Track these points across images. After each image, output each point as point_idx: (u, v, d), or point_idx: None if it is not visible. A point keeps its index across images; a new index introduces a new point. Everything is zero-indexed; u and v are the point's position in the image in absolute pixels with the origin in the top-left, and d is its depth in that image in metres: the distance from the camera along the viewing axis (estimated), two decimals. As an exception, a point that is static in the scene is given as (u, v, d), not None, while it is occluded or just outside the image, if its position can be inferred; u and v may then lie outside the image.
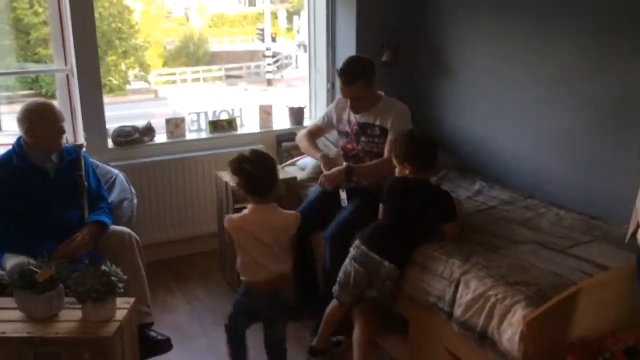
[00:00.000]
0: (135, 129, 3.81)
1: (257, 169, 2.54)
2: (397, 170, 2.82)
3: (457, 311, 2.43)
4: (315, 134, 3.48)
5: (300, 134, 3.53)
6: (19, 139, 2.91)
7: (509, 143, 3.61)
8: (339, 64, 4.09)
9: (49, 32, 5.34)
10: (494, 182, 3.57)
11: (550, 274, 2.42)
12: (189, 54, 17.07)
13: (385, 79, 3.56)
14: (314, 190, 3.39)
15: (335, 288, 2.81)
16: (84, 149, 3.03)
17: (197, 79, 15.81)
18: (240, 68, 16.61)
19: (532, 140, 3.46)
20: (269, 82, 15.49)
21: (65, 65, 3.63)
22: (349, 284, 2.73)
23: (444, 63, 4.02)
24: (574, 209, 3.09)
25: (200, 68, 16.24)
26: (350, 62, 3.16)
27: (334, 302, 2.85)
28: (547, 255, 2.60)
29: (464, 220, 2.94)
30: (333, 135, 3.63)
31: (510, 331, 2.20)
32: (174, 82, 15.41)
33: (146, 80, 13.91)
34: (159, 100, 13.35)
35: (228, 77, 16.35)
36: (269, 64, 15.74)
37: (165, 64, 16.23)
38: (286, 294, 2.62)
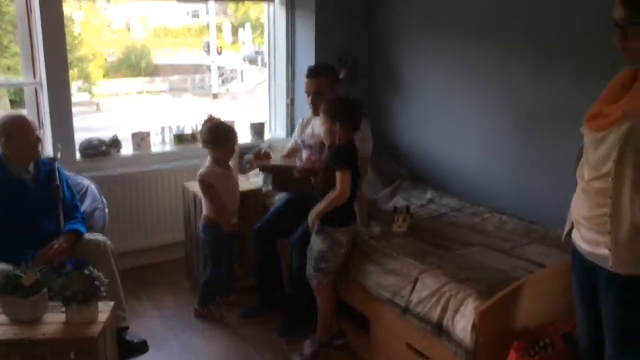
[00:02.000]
0: (102, 142, 3.95)
1: None
2: (325, 130, 2.98)
3: (416, 306, 2.70)
4: (290, 155, 3.72)
5: (279, 157, 3.73)
6: None
7: (457, 155, 3.95)
8: (299, 79, 4.39)
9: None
10: (443, 191, 3.90)
11: (497, 271, 2.73)
12: (131, 66, 16.90)
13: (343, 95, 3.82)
14: (278, 199, 3.64)
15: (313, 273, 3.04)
16: (57, 162, 3.17)
17: (142, 92, 15.71)
18: (186, 81, 16.63)
19: (477, 153, 3.80)
20: (215, 96, 15.56)
21: (35, 78, 3.75)
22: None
23: (398, 79, 4.34)
24: (515, 214, 3.44)
25: (144, 80, 16.13)
26: (318, 63, 3.61)
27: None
28: (493, 255, 2.93)
29: (418, 226, 3.26)
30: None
31: (463, 322, 2.48)
32: (117, 94, 15.26)
33: (90, 92, 13.76)
34: (102, 113, 13.22)
35: (173, 90, 16.31)
36: (214, 78, 15.81)
37: (106, 76, 16.05)
38: None
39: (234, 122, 4.32)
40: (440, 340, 2.59)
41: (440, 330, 2.59)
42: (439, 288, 2.64)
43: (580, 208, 2.10)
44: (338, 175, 2.87)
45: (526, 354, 2.33)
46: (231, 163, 3.53)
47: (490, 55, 3.63)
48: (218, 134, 3.38)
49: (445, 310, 2.58)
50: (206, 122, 3.49)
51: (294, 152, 3.75)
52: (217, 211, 3.39)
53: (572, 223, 2.23)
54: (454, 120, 3.94)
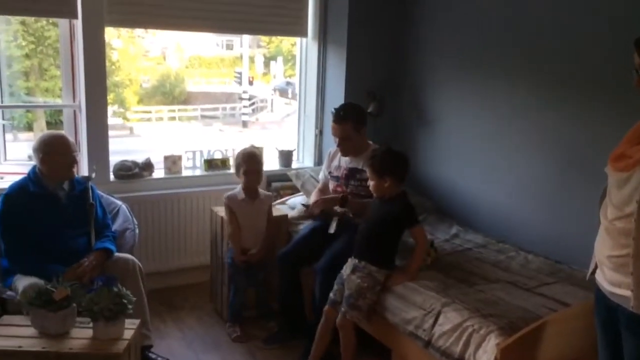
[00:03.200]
0: (135, 164, 4.05)
1: None
2: (373, 184, 3.05)
3: (438, 340, 2.70)
4: (323, 191, 3.77)
5: (313, 193, 3.83)
6: (34, 168, 3.14)
7: (483, 190, 3.96)
8: (328, 110, 4.46)
9: (30, 65, 5.55)
10: (468, 226, 3.90)
11: (519, 308, 2.72)
12: (165, 93, 17.30)
13: (370, 128, 3.88)
14: (304, 227, 3.68)
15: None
16: (91, 181, 3.26)
17: (173, 118, 16.02)
18: (217, 109, 16.93)
19: (504, 189, 3.80)
20: (244, 124, 15.79)
21: (74, 101, 3.88)
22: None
23: (425, 113, 4.39)
24: (541, 253, 3.43)
25: (176, 107, 16.47)
26: (345, 105, 3.60)
27: (322, 321, 3.10)
28: (516, 292, 2.91)
29: (442, 260, 3.27)
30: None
31: (485, 358, 2.46)
32: (149, 119, 15.59)
33: (124, 117, 14.09)
34: (134, 137, 13.51)
35: (203, 117, 16.61)
36: (244, 107, 16.07)
37: (140, 102, 16.44)
38: None
39: (262, 148, 4.40)
40: (461, 375, 2.57)
41: (461, 364, 2.58)
42: (461, 322, 2.64)
43: (602, 248, 2.10)
44: (417, 231, 3.01)
45: (547, 393, 2.31)
46: (261, 192, 3.60)
47: (518, 93, 3.66)
48: (241, 156, 3.57)
49: (467, 344, 2.57)
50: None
51: (326, 188, 3.78)
52: (229, 236, 3.52)
53: (596, 263, 2.22)
54: (481, 156, 3.96)
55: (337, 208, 3.36)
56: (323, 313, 3.10)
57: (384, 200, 3.04)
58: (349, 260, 3.08)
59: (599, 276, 2.17)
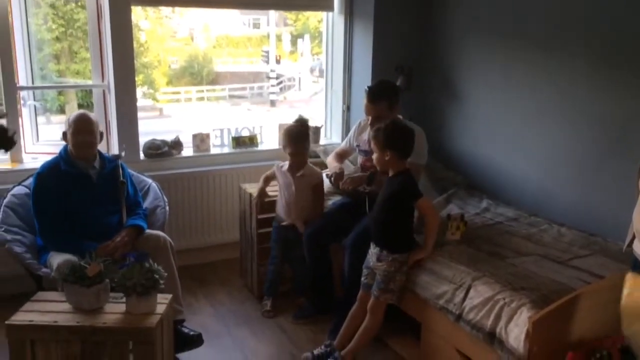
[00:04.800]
0: (164, 142, 4.09)
1: None
2: (375, 157, 3.00)
3: (468, 313, 2.68)
4: (342, 155, 3.80)
5: (330, 155, 3.85)
6: (65, 147, 3.19)
7: (515, 163, 3.89)
8: (356, 86, 4.42)
9: (61, 48, 5.60)
10: (499, 200, 3.85)
11: (552, 281, 2.68)
12: (193, 74, 17.40)
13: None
14: (332, 203, 3.67)
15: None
16: (121, 159, 3.30)
17: (202, 98, 16.12)
18: (244, 89, 16.97)
19: (537, 161, 3.74)
20: (272, 103, 15.80)
21: (103, 81, 3.92)
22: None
23: (453, 87, 4.32)
24: (574, 226, 3.37)
25: (204, 87, 16.55)
26: (379, 83, 3.49)
27: (355, 305, 3.10)
28: (549, 265, 2.87)
29: (473, 234, 3.23)
30: (352, 156, 3.93)
31: (516, 331, 2.44)
32: (178, 100, 15.72)
33: (154, 98, 14.22)
34: (164, 117, 13.64)
35: (232, 97, 16.67)
36: (272, 85, 16.06)
37: (169, 83, 16.56)
38: None
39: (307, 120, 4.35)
40: (492, 348, 2.55)
41: (492, 338, 2.56)
42: (492, 295, 2.61)
43: None
44: (421, 204, 2.93)
45: (581, 365, 2.28)
46: (307, 168, 3.62)
47: (550, 65, 3.57)
48: (287, 133, 3.59)
49: (498, 318, 2.55)
50: (291, 123, 3.69)
51: (345, 154, 3.79)
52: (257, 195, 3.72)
53: (634, 234, 2.18)
54: (513, 129, 3.89)
55: (364, 187, 3.34)
56: (357, 298, 3.09)
57: (389, 179, 2.99)
58: (371, 245, 3.05)
59: (637, 247, 2.13)
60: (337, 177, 3.49)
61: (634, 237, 2.21)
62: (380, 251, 2.98)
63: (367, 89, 3.42)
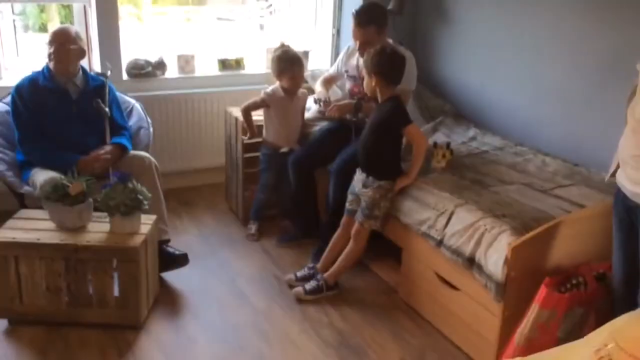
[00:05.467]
0: (148, 62, 3.99)
1: None
2: (365, 82, 2.99)
3: (449, 239, 2.71)
4: (329, 81, 3.74)
5: (318, 81, 3.79)
6: (46, 64, 3.11)
7: (504, 93, 3.85)
8: (346, 8, 4.29)
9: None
10: (487, 129, 3.84)
11: (533, 209, 2.70)
12: (180, -7, 16.84)
13: (389, 26, 3.73)
14: (318, 129, 3.64)
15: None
16: (108, 78, 3.22)
17: (189, 19, 15.68)
18: (232, 10, 16.50)
19: (526, 91, 3.69)
20: (261, 27, 15.42)
21: (83, -5, 3.77)
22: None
23: (446, 12, 4.21)
24: (559, 156, 3.38)
25: (191, 8, 16.08)
26: (367, 7, 3.40)
27: (339, 230, 3.14)
28: (531, 194, 2.89)
29: (458, 162, 3.24)
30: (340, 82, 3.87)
31: (495, 256, 2.48)
32: (164, 19, 15.25)
33: (139, 18, 13.80)
34: (149, 37, 13.26)
35: (220, 19, 16.24)
36: (261, 9, 15.63)
37: (154, 3, 16.06)
38: None
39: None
40: (471, 273, 2.61)
41: (472, 263, 2.60)
42: (474, 222, 2.64)
43: (627, 146, 2.07)
44: (409, 130, 2.90)
45: (556, 290, 2.33)
46: (300, 92, 3.58)
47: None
48: (284, 60, 3.47)
49: (478, 243, 2.58)
50: (275, 49, 3.56)
51: (333, 79, 3.75)
52: (245, 120, 3.60)
53: (618, 164, 2.20)
54: (502, 58, 3.83)
55: (351, 115, 3.31)
56: (341, 223, 3.12)
57: (378, 105, 2.97)
58: (357, 172, 3.06)
59: (620, 176, 2.16)
60: (326, 103, 3.46)
61: (617, 167, 2.22)
62: (367, 177, 2.99)
63: (355, 13, 3.32)
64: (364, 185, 3.00)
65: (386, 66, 2.88)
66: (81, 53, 3.14)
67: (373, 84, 2.91)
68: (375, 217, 3.00)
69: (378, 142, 2.97)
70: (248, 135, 3.62)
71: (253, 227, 3.66)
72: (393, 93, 2.93)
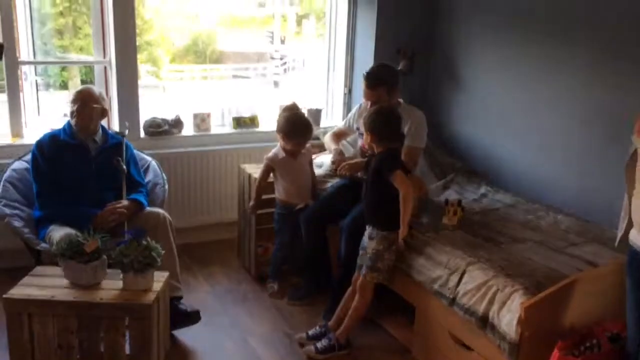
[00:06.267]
0: (165, 121, 4.09)
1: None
2: (364, 138, 3.10)
3: (462, 297, 2.70)
4: (339, 135, 3.82)
5: (327, 135, 3.86)
6: (68, 121, 3.22)
7: (514, 151, 3.90)
8: (358, 68, 4.40)
9: (64, 23, 5.58)
10: (498, 187, 3.86)
11: (547, 268, 2.70)
12: (197, 52, 17.26)
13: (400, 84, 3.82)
14: (331, 185, 3.68)
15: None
16: (125, 137, 3.30)
17: (205, 77, 16.02)
18: (248, 69, 16.87)
19: (535, 150, 3.74)
20: (276, 84, 15.71)
21: (104, 57, 3.91)
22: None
23: (456, 72, 4.31)
24: (571, 213, 3.39)
25: (208, 66, 16.44)
26: (377, 68, 3.48)
27: (350, 289, 3.13)
28: (544, 252, 2.89)
29: (470, 220, 3.25)
30: (352, 138, 3.94)
31: (509, 316, 2.46)
32: (181, 79, 15.62)
33: (157, 76, 14.14)
34: (166, 95, 13.57)
35: (235, 76, 16.57)
36: (276, 66, 15.95)
37: (172, 61, 16.45)
38: None
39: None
40: (485, 332, 2.58)
41: (485, 322, 2.58)
42: (486, 281, 2.63)
43: None
44: (394, 178, 2.89)
45: (569, 354, 2.30)
46: (304, 150, 3.61)
47: (554, 52, 3.56)
48: (294, 127, 3.49)
49: (491, 303, 2.57)
50: (286, 108, 3.61)
51: (343, 134, 3.81)
52: (255, 194, 3.62)
53: (625, 228, 2.22)
54: (513, 116, 3.89)
55: (362, 174, 3.33)
56: (352, 280, 3.12)
57: (375, 156, 3.03)
58: (367, 227, 3.08)
59: (635, 237, 2.15)
60: (339, 161, 3.51)
61: (627, 230, 2.22)
62: (372, 229, 3.02)
63: (365, 75, 3.40)
64: (369, 237, 3.02)
65: (380, 125, 2.95)
66: (103, 112, 3.24)
67: (369, 140, 2.99)
68: (378, 270, 2.99)
69: (373, 192, 3.01)
70: (251, 203, 3.65)
71: (275, 286, 3.65)
72: (387, 148, 2.98)
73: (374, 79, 3.35)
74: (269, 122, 4.53)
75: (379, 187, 2.97)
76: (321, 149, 4.25)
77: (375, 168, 2.96)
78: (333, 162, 3.62)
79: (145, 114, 4.09)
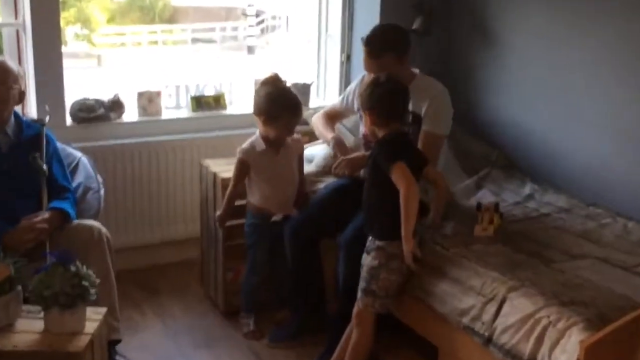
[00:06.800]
0: (99, 102, 4.07)
1: None
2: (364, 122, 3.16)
3: (501, 335, 2.70)
4: (332, 117, 3.81)
5: (316, 116, 3.86)
6: None
7: (567, 137, 3.90)
8: (359, 29, 4.38)
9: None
10: (547, 184, 3.87)
11: (613, 294, 2.70)
12: (144, 9, 17.22)
13: (414, 51, 3.75)
14: (325, 186, 3.68)
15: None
16: (46, 126, 3.28)
17: (154, 42, 16.00)
18: (213, 29, 16.84)
19: (597, 135, 3.74)
20: (250, 50, 15.69)
21: (16, 18, 3.89)
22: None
23: (488, 32, 4.31)
24: (645, 220, 3.40)
25: (158, 27, 16.41)
26: (380, 31, 3.47)
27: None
28: (610, 272, 2.90)
29: (510, 230, 3.25)
30: (351, 121, 3.94)
31: (563, 358, 2.47)
32: (123, 44, 15.59)
33: (90, 41, 14.13)
34: (103, 67, 13.56)
35: (195, 40, 16.55)
36: (250, 26, 15.93)
37: (111, 21, 16.42)
38: None
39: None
40: (532, 381, 2.59)
41: (532, 367, 2.59)
42: (533, 312, 2.64)
43: None
44: (394, 173, 2.88)
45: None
46: (289, 139, 3.61)
47: (620, 12, 3.57)
48: (279, 105, 3.46)
49: (540, 341, 2.58)
50: (266, 82, 3.58)
51: (338, 115, 3.83)
52: (227, 196, 3.58)
53: None
54: (566, 88, 3.90)
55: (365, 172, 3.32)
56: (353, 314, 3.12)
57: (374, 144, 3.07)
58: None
59: None
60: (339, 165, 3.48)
61: None
62: (371, 238, 3.04)
63: (365, 40, 3.40)
64: (366, 250, 3.04)
65: (381, 99, 2.97)
66: (20, 96, 3.22)
67: (369, 122, 3.01)
68: (373, 294, 3.01)
69: (371, 191, 3.04)
70: (219, 213, 3.64)
71: (250, 322, 3.65)
72: (393, 131, 3.00)
73: (377, 45, 3.35)
74: (241, 103, 4.53)
75: (378, 185, 2.99)
76: (311, 137, 4.24)
77: (372, 162, 2.98)
78: (334, 157, 3.60)
79: (73, 93, 4.06)
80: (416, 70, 3.52)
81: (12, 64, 3.26)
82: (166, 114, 4.32)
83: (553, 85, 3.97)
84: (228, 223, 3.70)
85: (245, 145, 3.56)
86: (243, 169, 3.54)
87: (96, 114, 4.04)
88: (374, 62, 3.36)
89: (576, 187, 3.82)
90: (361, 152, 3.49)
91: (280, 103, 3.47)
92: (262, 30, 16.59)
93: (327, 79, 4.74)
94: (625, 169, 3.63)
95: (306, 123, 4.17)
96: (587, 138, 3.81)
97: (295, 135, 3.65)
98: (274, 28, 16.88)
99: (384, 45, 3.35)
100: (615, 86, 3.64)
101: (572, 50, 3.84)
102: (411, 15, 4.26)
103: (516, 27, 4.16)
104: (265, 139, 3.53)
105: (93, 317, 2.76)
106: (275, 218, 3.54)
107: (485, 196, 3.69)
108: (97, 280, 2.74)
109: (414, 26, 4.20)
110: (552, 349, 2.52)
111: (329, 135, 3.69)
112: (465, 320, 2.86)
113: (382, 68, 3.31)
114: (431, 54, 4.31)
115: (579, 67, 3.82)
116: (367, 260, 3.03)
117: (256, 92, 3.62)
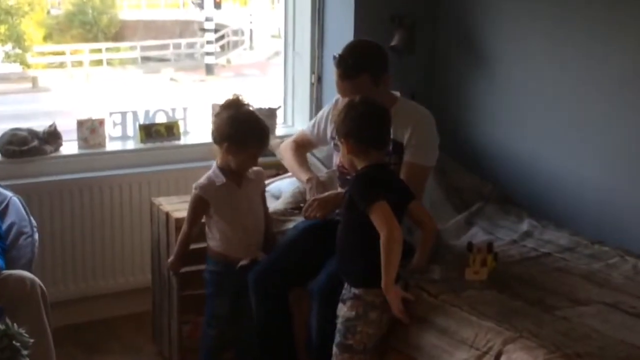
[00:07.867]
0: (33, 133, 4.07)
1: None
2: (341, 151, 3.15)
3: (497, 396, 2.71)
4: (302, 146, 3.82)
5: (284, 145, 3.87)
6: None
7: (568, 166, 3.95)
8: (330, 46, 4.42)
9: None
10: (547, 220, 3.90)
11: (623, 344, 2.72)
12: (86, 24, 17.22)
13: (394, 71, 3.74)
14: (294, 226, 3.68)
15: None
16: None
17: (98, 61, 15.99)
18: (166, 47, 16.88)
19: (601, 165, 3.80)
20: (209, 69, 15.70)
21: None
22: None
23: (476, 50, 4.37)
24: (658, 258, 3.43)
25: (103, 45, 16.42)
26: (353, 48, 3.49)
27: None
28: (619, 320, 2.91)
29: (506, 273, 3.28)
30: (323, 150, 3.98)
31: (569, 422, 2.50)
32: (62, 65, 15.56)
33: (23, 62, 14.09)
34: (39, 92, 13.51)
35: (146, 59, 16.56)
36: (209, 42, 15.95)
37: (48, 38, 16.40)
38: None
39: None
40: None
41: None
42: (534, 367, 2.65)
43: None
44: (372, 213, 2.89)
45: None
46: (250, 172, 3.59)
47: (617, 18, 3.64)
48: (244, 129, 3.44)
49: (542, 402, 2.59)
50: (227, 105, 3.56)
51: (307, 145, 3.85)
52: (180, 238, 3.57)
53: None
54: (567, 116, 3.95)
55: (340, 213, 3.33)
56: None
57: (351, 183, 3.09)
58: None
59: None
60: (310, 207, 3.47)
61: None
62: (347, 285, 3.05)
63: (336, 59, 3.42)
64: (341, 300, 3.05)
65: (359, 124, 2.98)
66: None
67: (346, 151, 3.02)
68: (350, 349, 3.00)
69: (347, 231, 3.06)
70: (171, 259, 3.64)
71: None
72: (373, 162, 3.01)
73: (351, 64, 3.37)
74: (197, 132, 4.53)
75: (354, 225, 3.00)
76: (278, 169, 4.25)
77: (349, 196, 2.99)
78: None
79: (3, 122, 4.04)
80: (397, 94, 3.55)
81: None
82: (111, 146, 4.32)
83: (549, 110, 4.03)
84: (183, 270, 3.69)
85: (202, 180, 3.53)
86: (200, 207, 3.52)
87: (29, 146, 4.04)
88: (347, 83, 3.38)
89: (580, 222, 3.85)
90: (335, 191, 3.50)
91: (247, 127, 3.45)
92: (223, 47, 16.65)
93: (295, 103, 4.78)
94: (635, 202, 3.67)
95: (272, 154, 4.19)
96: (590, 167, 3.87)
97: (255, 167, 3.63)
98: (235, 44, 16.96)
99: (358, 64, 3.37)
100: (617, 111, 3.71)
101: (573, 71, 3.90)
102: (389, 30, 4.30)
103: (508, 44, 4.23)
104: (224, 170, 3.52)
105: (25, 387, 2.74)
106: (243, 262, 3.52)
107: (478, 235, 3.72)
108: (31, 340, 2.72)
109: (393, 42, 4.23)
110: (555, 410, 2.55)
111: (304, 176, 3.66)
112: (456, 377, 2.87)
113: (357, 90, 3.32)
114: (412, 73, 4.35)
115: (576, 91, 3.89)
116: (342, 310, 3.03)
117: (216, 115, 3.58)
